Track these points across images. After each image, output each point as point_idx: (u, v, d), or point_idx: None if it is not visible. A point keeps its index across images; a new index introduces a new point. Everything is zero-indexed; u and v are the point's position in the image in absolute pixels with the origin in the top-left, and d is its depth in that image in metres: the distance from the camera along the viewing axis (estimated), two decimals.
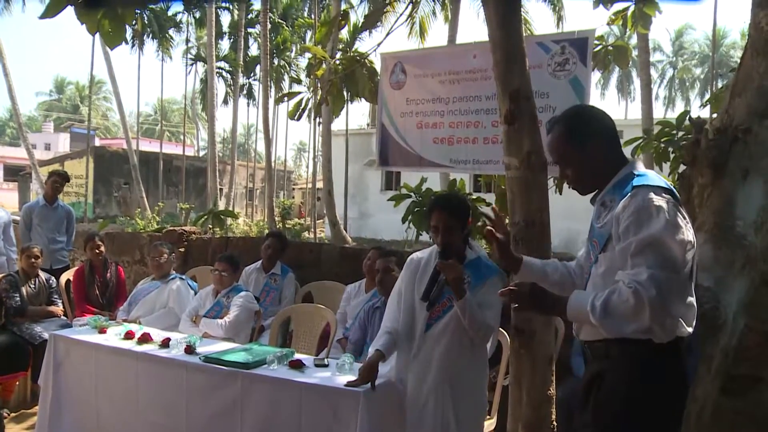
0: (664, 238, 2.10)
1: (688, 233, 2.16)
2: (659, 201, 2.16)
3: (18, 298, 5.72)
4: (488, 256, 3.55)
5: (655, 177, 2.28)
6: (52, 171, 7.66)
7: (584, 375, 2.47)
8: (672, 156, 6.11)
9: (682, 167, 3.89)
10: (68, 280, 6.51)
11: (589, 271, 2.44)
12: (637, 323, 2.11)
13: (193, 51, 41.19)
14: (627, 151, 7.11)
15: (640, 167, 2.37)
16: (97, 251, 6.35)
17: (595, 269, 2.38)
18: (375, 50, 6.34)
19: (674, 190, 2.27)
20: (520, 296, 2.35)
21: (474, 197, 6.23)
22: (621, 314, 2.12)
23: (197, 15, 37.54)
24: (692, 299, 2.19)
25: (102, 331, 4.60)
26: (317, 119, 21.52)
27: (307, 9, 38.92)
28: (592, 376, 2.38)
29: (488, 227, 2.68)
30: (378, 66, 6.18)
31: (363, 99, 6.71)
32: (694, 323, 2.21)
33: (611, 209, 2.29)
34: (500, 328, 3.77)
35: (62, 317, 6.03)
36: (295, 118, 6.63)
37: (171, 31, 39.90)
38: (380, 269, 4.45)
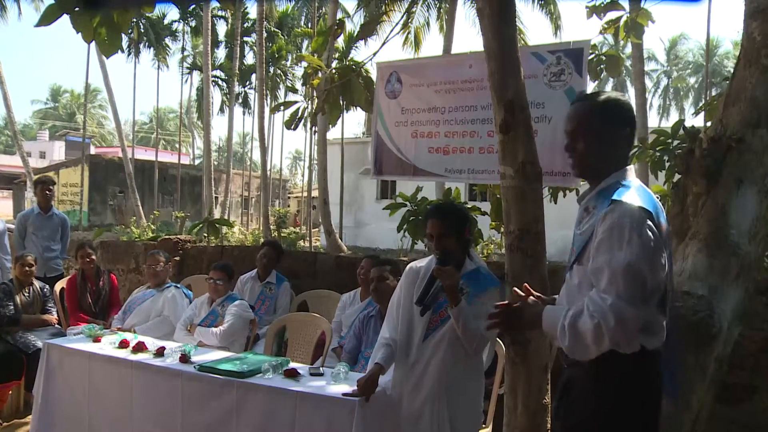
0: (637, 266, 2.07)
1: (662, 257, 2.13)
2: (635, 222, 2.11)
3: (12, 307, 5.70)
4: (488, 267, 3.56)
5: (637, 192, 2.21)
6: (36, 180, 7.66)
7: (558, 382, 2.47)
8: (667, 165, 6.13)
9: (677, 176, 3.91)
10: (62, 289, 6.49)
11: (565, 276, 2.41)
12: (599, 350, 2.12)
13: (189, 60, 41.31)
14: None
15: (629, 177, 2.31)
16: (88, 260, 6.33)
17: (570, 279, 2.35)
18: (371, 59, 6.36)
19: (655, 206, 2.21)
20: (502, 321, 2.38)
21: (469, 206, 6.24)
22: (584, 343, 2.12)
23: (193, 24, 37.69)
24: (658, 318, 2.18)
25: (96, 339, 4.59)
26: (313, 128, 21.56)
27: (303, 18, 39.04)
28: (564, 384, 2.38)
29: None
30: (374, 75, 6.20)
31: (359, 108, 6.72)
32: (662, 336, 2.19)
33: (592, 216, 2.26)
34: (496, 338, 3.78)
35: (56, 326, 6.00)
36: (291, 127, 6.63)
37: (167, 40, 40.07)
38: (374, 278, 4.45)
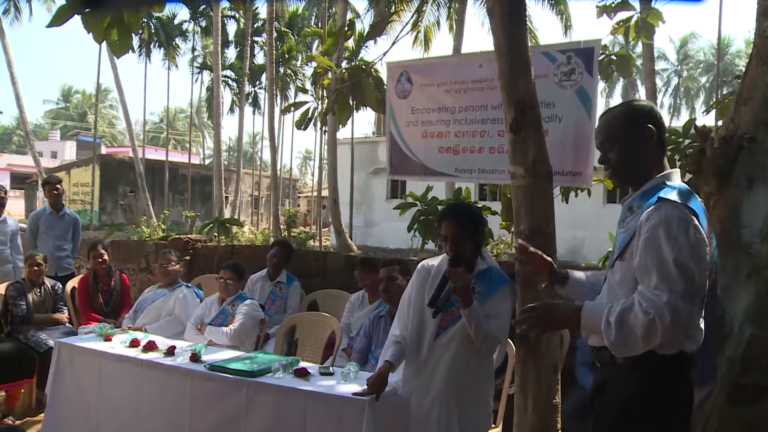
0: (686, 262, 2.09)
1: (704, 254, 2.15)
2: (682, 219, 2.14)
3: (24, 306, 5.73)
4: (499, 267, 3.55)
5: (682, 192, 2.24)
6: (43, 181, 7.67)
7: (592, 383, 2.48)
8: (678, 164, 6.10)
9: (688, 176, 3.89)
10: (73, 288, 6.52)
11: (606, 275, 2.44)
12: (647, 347, 2.12)
13: (199, 59, 41.42)
14: None
15: (675, 179, 2.33)
16: (101, 260, 6.34)
17: (611, 275, 2.37)
18: (381, 59, 6.35)
19: (700, 208, 2.23)
20: (534, 321, 2.37)
21: (480, 206, 6.23)
22: (634, 338, 2.12)
23: (203, 24, 37.78)
24: (701, 319, 2.17)
25: (107, 338, 4.61)
26: (323, 128, 21.60)
27: (313, 18, 39.09)
28: (598, 385, 2.39)
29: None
30: (383, 75, 6.19)
31: (369, 108, 6.72)
32: (700, 339, 2.20)
33: (637, 216, 2.27)
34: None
35: (68, 325, 6.03)
36: (302, 128, 6.64)
37: (177, 40, 40.19)
38: (384, 278, 4.45)
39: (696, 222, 2.15)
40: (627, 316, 2.12)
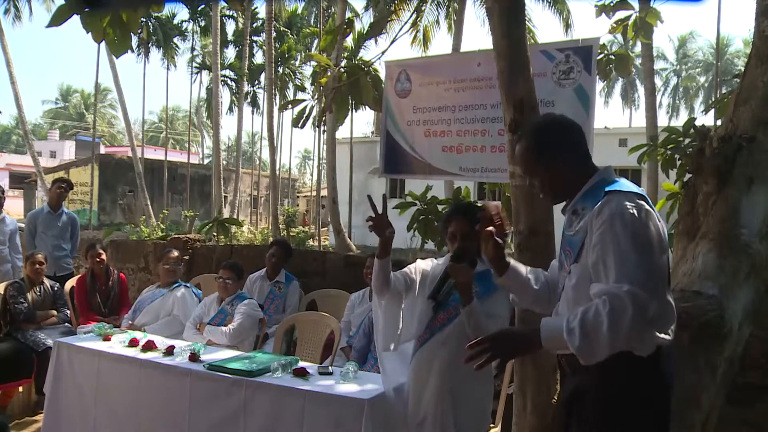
0: (642, 249, 2.03)
1: (663, 240, 2.10)
2: (633, 208, 2.08)
3: (26, 305, 5.72)
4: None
5: (627, 183, 2.22)
6: (57, 178, 7.68)
7: (563, 390, 2.39)
8: (678, 163, 6.10)
9: (688, 175, 3.89)
10: (72, 287, 6.50)
11: (564, 283, 2.35)
12: (614, 345, 2.00)
13: (198, 59, 41.41)
14: (633, 157, 7.12)
15: (612, 175, 2.31)
16: (98, 260, 6.34)
17: (568, 281, 2.29)
18: (379, 58, 6.35)
19: (646, 196, 2.19)
20: (495, 349, 2.18)
21: (480, 205, 6.22)
22: (599, 338, 1.98)
23: (202, 23, 37.76)
24: (670, 305, 2.12)
25: (106, 338, 4.60)
26: (322, 127, 21.60)
27: (312, 18, 39.10)
28: (572, 393, 2.28)
29: (488, 228, 2.61)
30: (382, 74, 6.19)
31: (367, 107, 6.72)
32: (672, 329, 2.13)
33: (583, 217, 2.22)
34: None
35: (67, 325, 6.02)
36: (299, 125, 6.64)
37: (176, 40, 40.17)
38: None
39: (648, 207, 2.11)
40: (587, 316, 2.00)
